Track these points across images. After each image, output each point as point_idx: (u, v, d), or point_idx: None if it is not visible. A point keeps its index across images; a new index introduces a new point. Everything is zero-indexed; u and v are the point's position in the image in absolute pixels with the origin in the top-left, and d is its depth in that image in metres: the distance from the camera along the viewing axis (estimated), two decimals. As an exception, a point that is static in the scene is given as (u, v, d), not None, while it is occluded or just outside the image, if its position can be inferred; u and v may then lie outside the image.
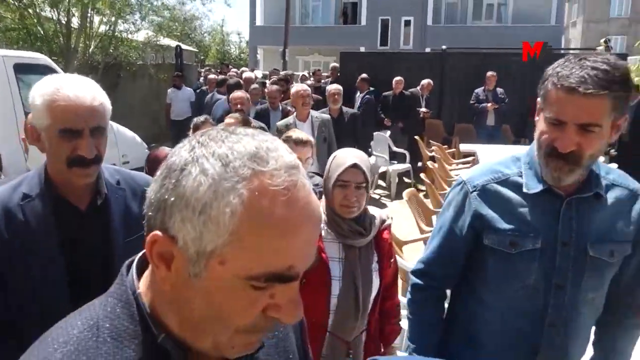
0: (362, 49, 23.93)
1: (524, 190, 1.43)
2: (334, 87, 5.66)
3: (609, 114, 1.25)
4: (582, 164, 1.31)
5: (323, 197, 2.03)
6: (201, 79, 10.33)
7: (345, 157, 1.95)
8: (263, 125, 4.91)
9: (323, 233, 1.95)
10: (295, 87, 5.14)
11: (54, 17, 9.85)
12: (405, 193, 4.65)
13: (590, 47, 25.65)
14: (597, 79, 1.22)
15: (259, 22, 28.04)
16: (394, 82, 8.82)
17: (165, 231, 0.62)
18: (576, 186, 1.40)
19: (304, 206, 0.62)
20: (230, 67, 12.23)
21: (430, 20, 25.43)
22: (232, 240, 0.59)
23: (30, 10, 9.44)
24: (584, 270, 1.40)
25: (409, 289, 1.70)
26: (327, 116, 5.17)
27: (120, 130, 6.40)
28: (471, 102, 8.94)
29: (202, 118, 4.27)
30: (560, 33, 25.47)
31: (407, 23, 25.52)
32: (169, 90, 9.83)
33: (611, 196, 1.43)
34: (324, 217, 1.94)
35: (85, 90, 1.39)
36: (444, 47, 10.34)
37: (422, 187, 8.92)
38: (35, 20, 9.55)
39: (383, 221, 2.08)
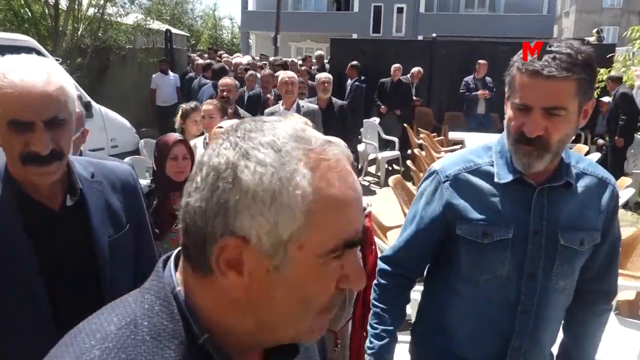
0: (355, 36, 23.83)
1: (496, 179, 1.43)
2: (324, 76, 5.54)
3: (573, 97, 1.26)
4: (551, 150, 1.31)
5: None
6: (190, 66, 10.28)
7: None
8: (248, 114, 4.89)
9: None
10: (281, 75, 5.06)
11: (42, -1, 9.74)
12: (390, 180, 4.69)
13: (583, 37, 25.72)
14: (559, 62, 1.24)
15: (251, 7, 27.82)
16: (392, 69, 8.79)
17: (233, 234, 0.60)
18: (547, 175, 1.40)
19: (351, 173, 0.65)
20: (219, 52, 12.11)
21: (422, 8, 25.38)
22: (306, 221, 0.60)
23: (18, -8, 9.33)
24: (555, 259, 1.42)
25: (377, 274, 1.67)
26: (315, 106, 5.06)
27: (109, 115, 6.38)
28: (461, 90, 8.96)
29: (192, 104, 4.27)
30: (553, 23, 25.54)
31: (400, 10, 25.44)
32: (155, 76, 9.74)
33: (581, 185, 1.44)
34: None
35: (36, 74, 1.16)
36: (434, 35, 10.34)
37: (412, 175, 9.02)
38: (23, 2, 9.43)
39: (363, 209, 2.09)
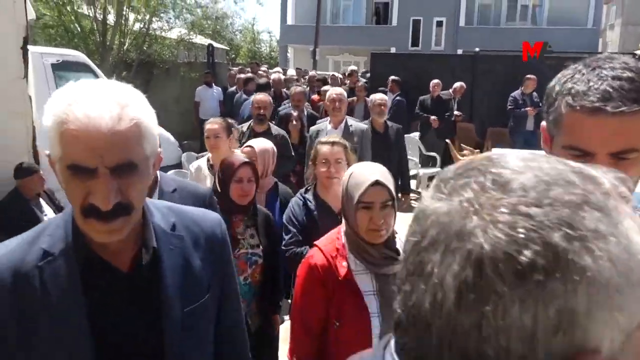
0: (393, 50, 23.75)
1: None
2: (379, 97, 5.20)
3: None
4: None
5: (343, 221, 1.88)
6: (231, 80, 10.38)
7: (364, 173, 1.79)
8: (283, 133, 4.75)
9: (352, 265, 1.77)
10: (329, 91, 4.85)
11: (91, 15, 10.02)
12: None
13: (629, 51, 24.93)
14: (624, 91, 0.94)
15: (290, 21, 28.07)
16: (431, 84, 8.67)
17: (577, 349, 0.41)
18: None
19: None
20: (260, 65, 12.19)
21: (462, 21, 25.07)
22: None
23: (68, 8, 9.63)
24: None
25: None
26: (365, 126, 4.77)
27: (154, 129, 6.47)
28: (509, 106, 8.73)
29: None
30: (598, 36, 24.83)
31: (439, 24, 25.21)
32: (199, 89, 9.88)
33: None
34: (347, 244, 1.83)
35: (105, 108, 0.94)
36: (477, 49, 10.15)
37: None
38: (73, 17, 9.74)
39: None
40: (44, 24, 9.91)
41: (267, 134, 4.51)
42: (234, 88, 9.59)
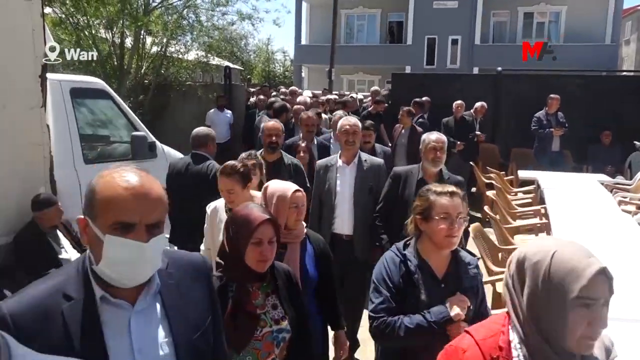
0: (408, 69, 23.66)
1: None
2: (434, 138, 3.67)
3: None
4: None
5: (511, 312, 1.38)
6: (252, 99, 10.24)
7: (578, 256, 1.28)
8: (297, 161, 4.44)
9: None
10: (341, 122, 3.99)
11: (109, 39, 10.02)
12: (472, 228, 4.33)
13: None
14: None
15: (304, 40, 28.18)
16: (454, 105, 8.48)
17: None
18: None
19: None
20: (271, 89, 11.94)
21: (478, 39, 24.93)
22: None
23: (87, 32, 9.63)
24: None
25: None
26: (381, 160, 4.12)
27: (171, 154, 6.33)
28: (533, 127, 8.50)
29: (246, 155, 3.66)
30: (617, 52, 24.53)
31: (455, 42, 25.08)
32: (210, 112, 9.80)
33: None
34: (523, 350, 1.36)
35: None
36: (499, 68, 9.95)
37: (476, 214, 8.54)
38: (91, 42, 9.74)
39: None
40: (62, 49, 9.92)
41: (279, 164, 4.27)
42: (255, 109, 9.48)
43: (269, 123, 4.46)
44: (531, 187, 7.41)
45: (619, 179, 8.25)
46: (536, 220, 5.87)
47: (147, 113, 10.28)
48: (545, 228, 5.49)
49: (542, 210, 5.87)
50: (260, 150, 4.43)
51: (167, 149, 6.26)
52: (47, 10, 9.44)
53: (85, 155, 5.12)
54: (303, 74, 28.51)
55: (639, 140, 8.07)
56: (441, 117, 8.76)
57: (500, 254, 4.58)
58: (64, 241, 4.36)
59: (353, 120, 4.04)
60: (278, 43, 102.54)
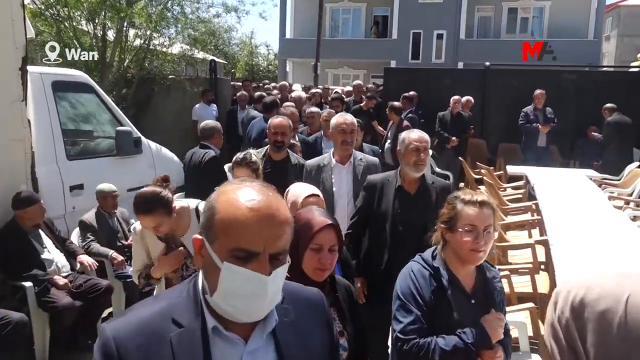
0: (393, 63, 23.62)
1: None
2: (416, 137, 3.11)
3: None
4: None
5: None
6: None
7: None
8: (304, 161, 4.05)
9: None
10: (337, 118, 3.72)
11: (90, 31, 9.75)
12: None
13: (625, 62, 24.88)
14: None
15: (288, 34, 27.96)
16: (451, 101, 8.43)
17: None
18: None
19: None
20: (253, 83, 11.66)
21: (463, 34, 24.97)
22: None
23: (67, 24, 9.36)
24: None
25: None
26: (376, 159, 3.83)
27: (158, 150, 6.17)
28: (520, 121, 8.50)
29: (240, 156, 3.46)
30: (599, 48, 24.76)
31: (440, 36, 25.08)
32: (197, 107, 9.63)
33: None
34: None
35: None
36: (487, 63, 9.93)
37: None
38: (72, 34, 9.46)
39: None
40: (43, 41, 9.63)
41: (285, 163, 4.11)
42: (235, 106, 9.29)
43: (275, 120, 4.12)
44: (520, 183, 7.40)
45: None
46: (527, 217, 5.84)
47: (131, 107, 10.04)
48: (538, 224, 5.47)
49: (533, 207, 5.85)
50: (264, 149, 4.20)
51: (152, 144, 6.10)
52: (27, 0, 9.14)
53: (67, 151, 4.95)
54: (287, 68, 28.29)
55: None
56: (433, 112, 8.71)
57: (495, 251, 4.52)
58: (47, 241, 4.20)
59: (350, 118, 3.70)
60: (261, 37, 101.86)
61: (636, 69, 10.76)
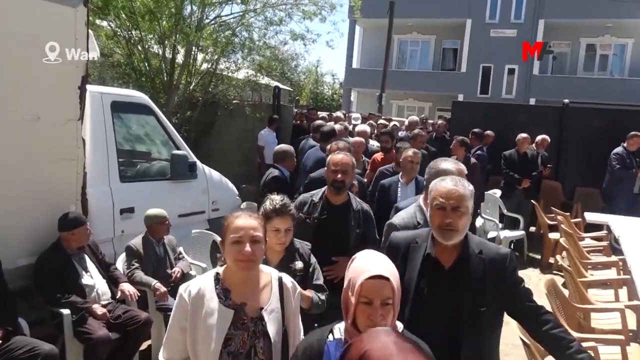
0: (461, 97, 22.98)
1: None
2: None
3: None
4: None
5: None
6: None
7: None
8: (367, 207, 3.57)
9: None
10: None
11: (160, 53, 9.94)
12: (544, 283, 3.73)
13: None
14: None
15: (355, 64, 27.98)
16: (519, 139, 7.84)
17: None
18: None
19: None
20: (317, 111, 11.33)
21: (536, 70, 23.99)
22: None
23: (140, 47, 9.57)
24: None
25: None
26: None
27: (213, 175, 5.99)
28: (615, 164, 7.73)
29: (278, 201, 2.67)
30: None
31: (511, 71, 24.24)
32: (263, 133, 9.56)
33: None
34: None
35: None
36: (565, 100, 9.25)
37: (536, 255, 7.84)
38: (143, 56, 9.67)
39: None
40: (114, 62, 9.90)
41: (347, 209, 3.50)
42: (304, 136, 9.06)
43: (336, 156, 3.50)
44: (602, 233, 6.66)
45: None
46: (612, 273, 5.18)
47: (193, 130, 10.10)
48: (625, 284, 4.80)
49: (620, 263, 5.18)
50: (321, 191, 3.58)
51: (208, 170, 5.93)
52: (103, 23, 9.45)
53: (121, 172, 4.83)
54: (352, 98, 28.24)
55: None
56: (501, 150, 8.15)
57: (577, 314, 3.95)
58: (90, 265, 4.03)
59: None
60: (327, 66, 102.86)
61: None
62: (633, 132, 7.66)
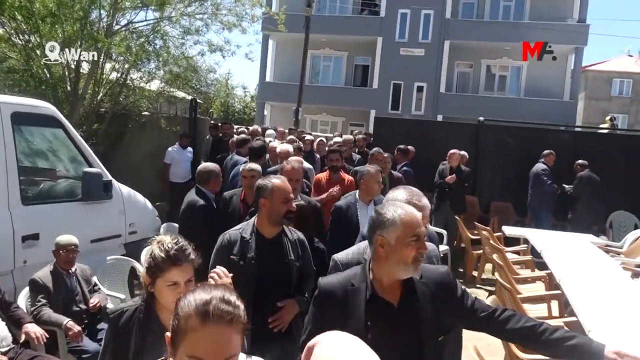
0: (373, 112, 23.50)
1: None
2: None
3: None
4: None
5: None
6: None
7: None
8: (302, 237, 3.14)
9: None
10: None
11: (63, 61, 9.07)
12: (490, 300, 3.67)
13: (594, 123, 25.38)
14: None
15: (269, 78, 27.77)
16: (449, 154, 7.93)
17: None
18: None
19: None
20: (232, 125, 10.86)
21: (443, 88, 25.17)
22: None
23: (38, 52, 8.67)
24: None
25: None
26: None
27: (130, 195, 5.45)
28: (548, 181, 8.18)
29: (174, 247, 1.97)
30: (575, 109, 25.23)
31: (420, 89, 25.23)
32: (171, 150, 9.12)
33: None
34: None
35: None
36: (480, 118, 9.63)
37: (458, 270, 7.98)
38: (42, 63, 8.76)
39: None
40: (8, 68, 8.90)
41: (281, 241, 3.01)
42: (227, 153, 8.63)
43: (278, 182, 3.01)
44: (522, 247, 6.89)
45: (602, 239, 7.91)
46: (540, 288, 5.30)
47: (101, 143, 9.29)
48: (557, 298, 4.90)
49: (547, 277, 5.31)
50: (249, 223, 3.06)
51: (125, 189, 5.38)
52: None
53: (23, 193, 4.20)
54: (266, 112, 27.96)
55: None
56: (421, 165, 8.27)
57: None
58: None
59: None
60: (237, 79, 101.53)
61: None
62: (548, 150, 8.09)
